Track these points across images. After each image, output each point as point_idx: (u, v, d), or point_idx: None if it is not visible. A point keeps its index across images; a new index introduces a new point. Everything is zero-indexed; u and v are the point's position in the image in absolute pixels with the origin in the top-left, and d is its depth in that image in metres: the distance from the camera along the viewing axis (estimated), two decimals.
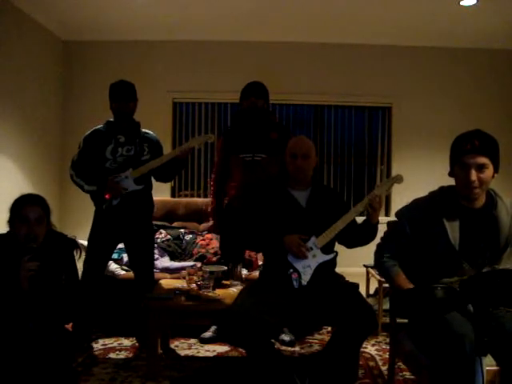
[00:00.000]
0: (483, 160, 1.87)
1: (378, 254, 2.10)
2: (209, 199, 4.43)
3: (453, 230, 1.93)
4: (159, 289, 2.76)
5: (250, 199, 2.52)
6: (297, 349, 3.00)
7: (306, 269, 2.19)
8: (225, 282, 2.80)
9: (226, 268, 2.84)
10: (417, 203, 2.07)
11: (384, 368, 2.67)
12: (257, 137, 2.99)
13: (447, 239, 1.92)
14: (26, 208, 1.99)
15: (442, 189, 2.06)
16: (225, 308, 2.37)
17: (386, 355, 2.64)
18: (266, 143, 2.98)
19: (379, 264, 2.09)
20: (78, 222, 4.60)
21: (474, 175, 1.87)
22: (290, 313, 2.20)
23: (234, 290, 2.66)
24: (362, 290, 2.63)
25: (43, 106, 4.82)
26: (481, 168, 1.87)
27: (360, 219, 2.34)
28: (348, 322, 2.06)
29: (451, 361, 1.68)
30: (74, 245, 2.17)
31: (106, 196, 2.71)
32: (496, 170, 1.92)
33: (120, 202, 2.74)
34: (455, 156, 1.95)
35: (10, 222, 2.02)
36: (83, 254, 2.33)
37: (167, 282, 2.90)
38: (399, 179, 2.32)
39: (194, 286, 2.67)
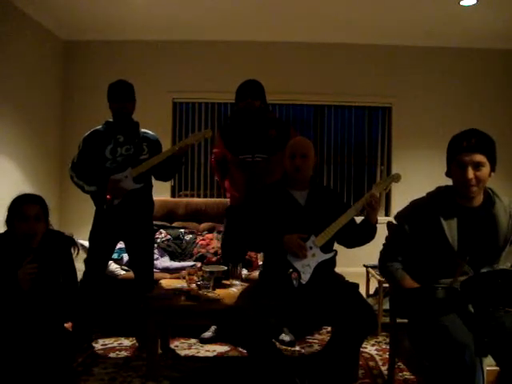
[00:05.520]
0: (480, 158, 1.87)
1: (382, 259, 2.10)
2: (209, 199, 4.46)
3: (450, 229, 1.92)
4: (159, 289, 2.76)
5: (250, 199, 2.52)
6: (297, 349, 3.00)
7: (305, 268, 2.19)
8: (225, 281, 2.80)
9: (226, 268, 2.84)
10: (414, 204, 2.07)
11: (384, 368, 2.67)
12: (255, 137, 2.94)
13: (445, 239, 1.91)
14: (24, 206, 2.00)
15: (439, 189, 2.06)
16: (225, 308, 2.37)
17: (386, 355, 2.64)
18: (266, 142, 2.94)
19: (384, 269, 2.09)
20: (78, 222, 4.61)
21: (471, 173, 1.87)
22: (290, 313, 2.21)
23: (234, 289, 2.66)
24: (362, 290, 2.63)
25: (43, 106, 4.82)
26: (478, 166, 1.87)
27: (359, 219, 2.34)
28: (348, 321, 2.07)
29: (451, 369, 1.67)
30: (72, 242, 2.18)
31: (108, 196, 2.72)
32: (493, 169, 1.92)
33: (121, 201, 2.74)
34: (452, 155, 1.94)
35: (8, 221, 2.02)
36: (81, 252, 2.34)
37: (167, 282, 2.90)
38: (397, 178, 2.32)
39: (193, 285, 2.67)
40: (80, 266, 2.68)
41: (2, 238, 2.04)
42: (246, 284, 2.73)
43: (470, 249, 1.91)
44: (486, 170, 1.89)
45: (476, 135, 1.90)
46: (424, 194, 2.10)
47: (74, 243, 2.20)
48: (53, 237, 2.11)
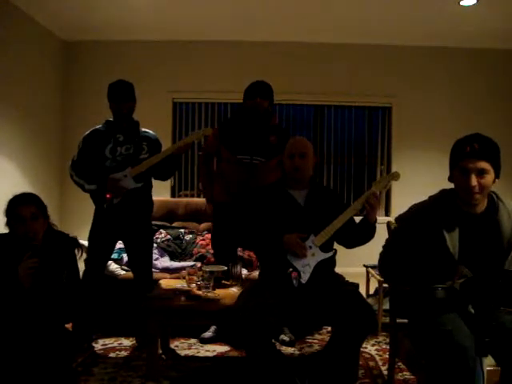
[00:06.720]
0: (484, 165, 1.80)
1: (382, 261, 2.07)
2: None
3: (451, 238, 1.86)
4: (159, 289, 2.76)
5: (248, 199, 2.52)
6: (297, 349, 3.00)
7: (305, 267, 2.19)
8: (225, 282, 2.80)
9: (225, 268, 2.84)
10: (416, 209, 2.00)
11: (384, 368, 2.67)
12: (256, 139, 2.94)
13: (445, 248, 1.85)
14: (19, 208, 2.00)
15: (443, 192, 1.98)
16: (225, 308, 2.37)
17: (386, 355, 2.64)
18: (265, 147, 2.95)
19: (384, 272, 2.08)
20: (78, 222, 4.61)
21: (474, 180, 1.80)
22: (290, 312, 2.20)
23: (234, 289, 2.66)
24: (362, 290, 2.63)
25: (43, 106, 4.82)
26: (481, 173, 1.80)
27: (358, 219, 2.33)
28: (347, 321, 2.06)
29: (451, 371, 1.66)
30: (75, 243, 2.18)
31: (107, 195, 2.72)
32: (497, 176, 1.85)
33: (120, 200, 2.74)
34: (455, 160, 1.88)
35: (8, 223, 2.03)
36: (84, 253, 2.34)
37: (167, 282, 2.89)
38: (396, 176, 2.32)
39: (193, 285, 2.67)
40: (81, 266, 2.68)
41: (6, 237, 2.05)
42: (246, 284, 2.73)
43: (472, 257, 1.85)
44: (489, 177, 1.82)
45: (480, 140, 1.82)
46: (424, 194, 2.05)
47: (79, 245, 2.19)
48: (57, 236, 2.11)
